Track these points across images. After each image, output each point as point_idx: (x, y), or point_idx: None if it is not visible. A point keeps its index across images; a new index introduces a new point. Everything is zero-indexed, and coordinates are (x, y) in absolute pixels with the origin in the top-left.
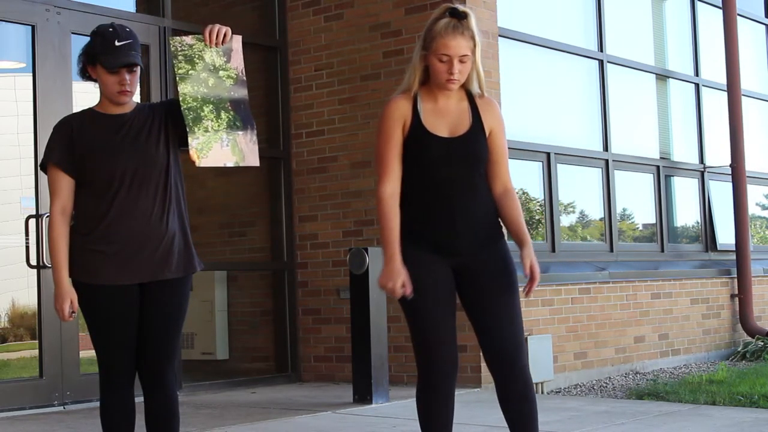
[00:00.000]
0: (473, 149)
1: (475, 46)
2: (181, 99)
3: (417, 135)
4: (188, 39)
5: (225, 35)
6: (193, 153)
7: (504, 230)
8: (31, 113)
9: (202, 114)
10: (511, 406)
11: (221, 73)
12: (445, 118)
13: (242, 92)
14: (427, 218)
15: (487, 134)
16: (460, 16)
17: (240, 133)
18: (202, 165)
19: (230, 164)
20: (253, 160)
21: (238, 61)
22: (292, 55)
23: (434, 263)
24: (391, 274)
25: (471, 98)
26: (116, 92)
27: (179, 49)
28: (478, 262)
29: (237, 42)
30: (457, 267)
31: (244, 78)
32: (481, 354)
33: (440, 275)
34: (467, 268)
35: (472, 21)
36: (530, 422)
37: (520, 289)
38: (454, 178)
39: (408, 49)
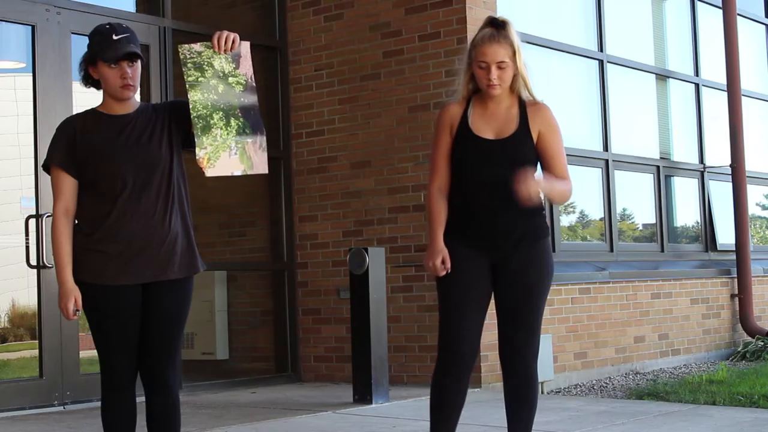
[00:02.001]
0: (516, 150)
1: (514, 53)
2: (191, 107)
3: (463, 136)
4: (197, 46)
5: (233, 41)
6: (201, 163)
7: (548, 231)
8: (31, 113)
9: (212, 122)
10: (510, 403)
11: (230, 79)
12: (493, 122)
13: (252, 98)
14: (469, 214)
15: (534, 137)
16: (499, 26)
17: (249, 140)
18: (209, 175)
19: (238, 173)
20: (262, 168)
21: (246, 67)
22: (292, 55)
23: (471, 258)
24: (431, 252)
25: (522, 104)
26: (119, 87)
27: (188, 56)
28: (513, 261)
29: (245, 48)
30: (495, 263)
31: (254, 84)
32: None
33: (475, 270)
34: (503, 265)
35: (511, 29)
36: (523, 422)
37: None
38: (496, 178)
39: (408, 49)
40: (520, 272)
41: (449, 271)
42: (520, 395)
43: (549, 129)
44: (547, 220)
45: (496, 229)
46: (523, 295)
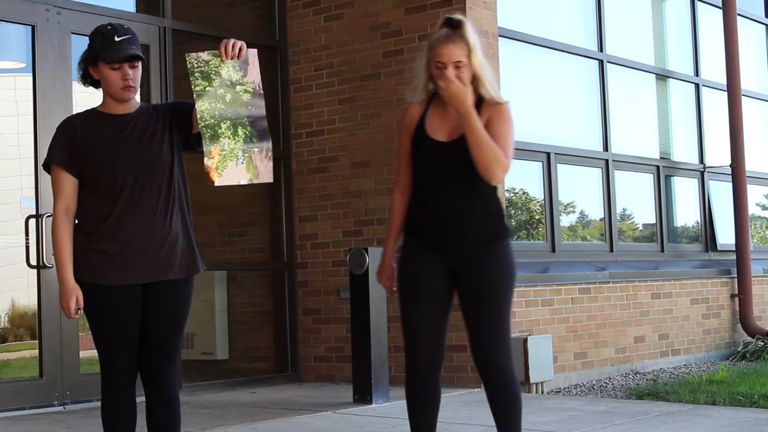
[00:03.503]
0: (466, 152)
1: (470, 52)
2: (198, 117)
3: (418, 138)
4: (204, 55)
5: (240, 49)
6: (209, 171)
7: (508, 233)
8: (31, 113)
9: (219, 131)
10: (491, 403)
11: (238, 87)
12: (449, 122)
13: (260, 106)
14: (424, 218)
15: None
16: (455, 25)
17: (256, 149)
18: (218, 185)
19: (244, 182)
20: (267, 177)
21: (254, 75)
22: (292, 55)
23: (427, 261)
24: (379, 270)
25: (480, 104)
26: (120, 88)
27: (195, 65)
28: (471, 264)
29: (253, 56)
30: (454, 267)
31: (261, 91)
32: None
33: (431, 274)
34: (461, 268)
35: (467, 28)
36: (508, 421)
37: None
38: (449, 180)
39: (408, 49)
40: (479, 276)
41: (393, 289)
42: (500, 397)
43: (498, 116)
44: (547, 220)
45: (452, 232)
46: (485, 298)
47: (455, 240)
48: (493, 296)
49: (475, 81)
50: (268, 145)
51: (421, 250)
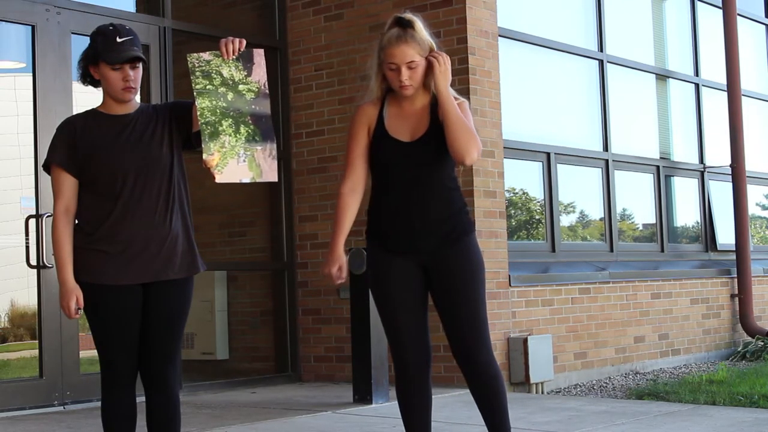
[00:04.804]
0: (430, 151)
1: (423, 51)
2: (199, 114)
3: (379, 138)
4: (205, 55)
5: (240, 44)
6: (209, 166)
7: (473, 227)
8: (31, 113)
9: (220, 129)
10: (477, 399)
11: (241, 87)
12: (408, 122)
13: (264, 105)
14: (389, 218)
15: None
16: (405, 25)
17: (258, 147)
18: (218, 182)
19: (246, 180)
20: (271, 176)
21: (260, 75)
22: (292, 55)
23: (397, 262)
24: (328, 260)
25: (436, 102)
26: (120, 89)
27: (196, 65)
28: (441, 261)
29: (259, 55)
30: (424, 265)
31: (267, 91)
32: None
33: (403, 273)
34: (431, 266)
35: (418, 27)
36: (496, 415)
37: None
38: (413, 180)
39: None
40: (449, 273)
41: (342, 280)
42: (488, 393)
43: (461, 110)
44: (547, 220)
45: (417, 230)
46: (459, 295)
47: (423, 238)
48: (468, 293)
49: (429, 78)
50: (272, 144)
51: (389, 251)
